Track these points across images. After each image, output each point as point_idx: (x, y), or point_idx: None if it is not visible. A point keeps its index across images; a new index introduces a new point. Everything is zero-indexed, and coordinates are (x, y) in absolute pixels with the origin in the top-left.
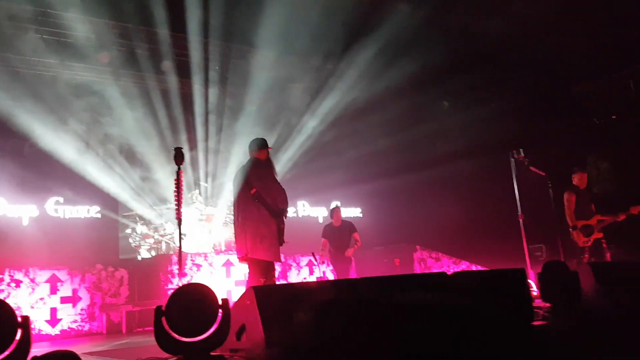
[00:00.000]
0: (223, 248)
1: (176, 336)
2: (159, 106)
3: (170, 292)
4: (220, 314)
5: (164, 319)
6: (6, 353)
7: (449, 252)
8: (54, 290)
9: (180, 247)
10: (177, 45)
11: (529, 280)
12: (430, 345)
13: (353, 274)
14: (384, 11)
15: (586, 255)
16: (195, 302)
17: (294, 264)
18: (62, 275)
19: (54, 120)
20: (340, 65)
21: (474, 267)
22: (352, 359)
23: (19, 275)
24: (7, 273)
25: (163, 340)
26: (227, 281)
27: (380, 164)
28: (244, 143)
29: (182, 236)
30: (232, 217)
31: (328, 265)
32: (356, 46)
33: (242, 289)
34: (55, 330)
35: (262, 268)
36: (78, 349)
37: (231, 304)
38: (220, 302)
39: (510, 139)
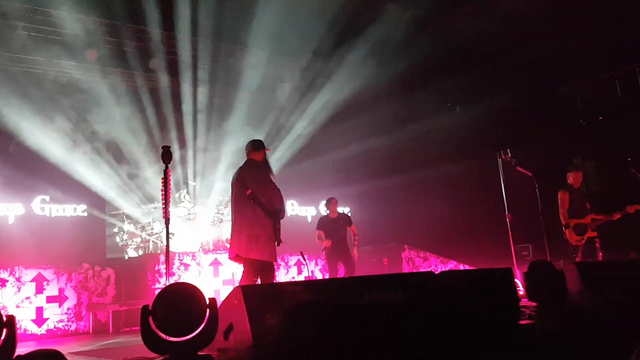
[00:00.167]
0: (211, 247)
1: (163, 336)
2: (147, 105)
3: (157, 292)
4: (207, 314)
5: (150, 319)
6: None
7: (437, 252)
8: (40, 290)
9: (167, 246)
10: (166, 43)
11: (516, 280)
12: (416, 344)
13: (347, 272)
14: (372, 12)
15: (579, 254)
16: (182, 301)
17: (283, 264)
18: (48, 274)
19: (40, 118)
20: (330, 65)
21: (461, 267)
22: (340, 359)
23: (4, 275)
24: None
25: (150, 339)
26: (215, 280)
27: (369, 163)
28: (233, 142)
29: (169, 235)
30: (220, 217)
31: (322, 259)
32: (345, 46)
33: (230, 289)
34: (41, 330)
35: (256, 268)
36: (64, 348)
37: (219, 303)
38: (207, 302)
39: (498, 139)
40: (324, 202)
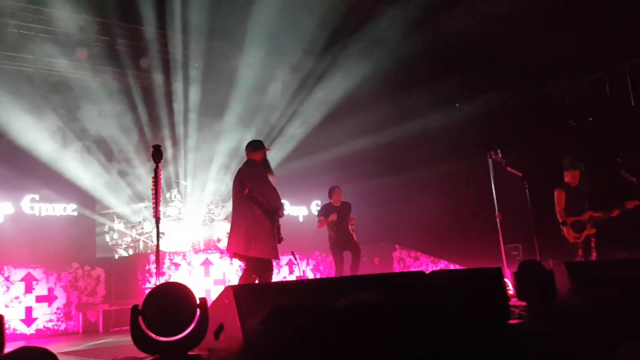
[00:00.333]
0: (202, 247)
1: (153, 335)
2: (138, 103)
3: (147, 292)
4: (198, 313)
5: (140, 319)
6: None
7: (428, 252)
8: (29, 289)
9: (158, 245)
10: (157, 42)
11: (506, 279)
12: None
13: (355, 258)
14: (365, 12)
15: (580, 251)
16: (172, 301)
17: (274, 263)
18: (37, 273)
19: (31, 116)
20: (322, 65)
21: (452, 266)
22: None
23: None
24: None
25: (140, 339)
26: (206, 280)
27: (361, 163)
28: (225, 142)
29: (160, 235)
30: (212, 216)
31: (314, 259)
32: (338, 47)
33: (221, 288)
34: (30, 330)
35: (256, 266)
36: (54, 348)
37: (210, 303)
38: (198, 301)
39: (489, 139)
40: (317, 204)
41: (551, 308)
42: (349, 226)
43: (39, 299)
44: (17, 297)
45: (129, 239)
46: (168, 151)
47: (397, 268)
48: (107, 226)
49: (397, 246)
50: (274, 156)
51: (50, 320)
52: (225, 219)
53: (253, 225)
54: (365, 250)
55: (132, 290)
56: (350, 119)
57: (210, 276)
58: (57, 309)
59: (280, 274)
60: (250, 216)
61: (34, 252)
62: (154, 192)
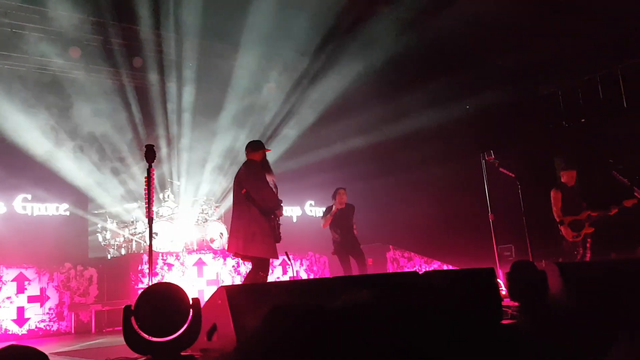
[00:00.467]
0: (195, 247)
1: (145, 336)
2: (132, 103)
3: (140, 292)
4: (190, 314)
5: (133, 319)
6: None
7: (421, 252)
8: (21, 289)
9: (150, 246)
10: (151, 41)
11: (498, 280)
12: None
13: (360, 266)
14: (358, 13)
15: (580, 250)
16: (165, 301)
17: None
18: (29, 273)
19: (24, 115)
20: (316, 65)
21: (445, 267)
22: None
23: None
24: None
25: (132, 340)
26: (199, 281)
27: (354, 164)
28: (218, 142)
29: (153, 235)
30: (205, 217)
31: (307, 259)
32: (331, 47)
33: (214, 289)
34: (22, 330)
35: (258, 264)
36: (46, 348)
37: (203, 303)
38: (191, 302)
39: (481, 140)
40: (310, 204)
41: (543, 308)
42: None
43: (31, 299)
44: (8, 297)
45: (121, 239)
46: (162, 151)
47: (390, 268)
48: (99, 226)
49: (390, 246)
50: (268, 156)
51: (43, 321)
52: (218, 219)
53: (250, 225)
54: None
55: (125, 290)
56: (343, 119)
57: (203, 276)
58: (49, 309)
59: (274, 274)
60: (248, 216)
61: (26, 252)
62: (146, 191)
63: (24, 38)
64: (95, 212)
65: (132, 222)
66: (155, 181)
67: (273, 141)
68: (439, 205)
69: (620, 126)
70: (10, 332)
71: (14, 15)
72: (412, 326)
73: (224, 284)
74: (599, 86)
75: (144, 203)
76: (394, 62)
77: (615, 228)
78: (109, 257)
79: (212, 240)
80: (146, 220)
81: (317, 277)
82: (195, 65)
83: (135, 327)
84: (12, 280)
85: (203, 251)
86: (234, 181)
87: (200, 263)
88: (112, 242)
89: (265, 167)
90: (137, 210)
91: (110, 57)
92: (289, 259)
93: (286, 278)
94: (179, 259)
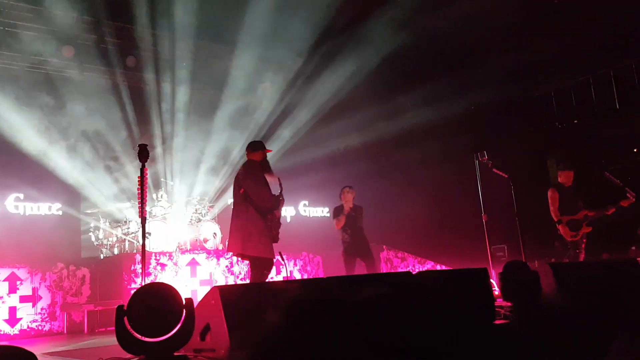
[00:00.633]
0: (188, 247)
1: (138, 336)
2: (125, 102)
3: (133, 292)
4: (184, 314)
5: (126, 319)
6: None
7: (415, 252)
8: (13, 289)
9: (143, 245)
10: (145, 41)
11: (491, 280)
12: (394, 343)
13: (369, 270)
14: (353, 13)
15: (582, 247)
16: (158, 301)
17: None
18: (21, 273)
19: (16, 114)
20: (311, 66)
21: (438, 267)
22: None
23: None
24: None
25: (125, 340)
26: (192, 281)
27: (348, 165)
28: (212, 142)
29: (146, 235)
30: (198, 216)
31: (301, 259)
32: (327, 47)
33: (207, 289)
34: (14, 330)
35: (256, 264)
36: (38, 349)
37: (196, 303)
38: (184, 302)
39: (475, 141)
40: (304, 204)
41: (536, 308)
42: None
43: (23, 299)
44: (0, 297)
45: (114, 239)
46: (155, 150)
47: (384, 269)
48: (92, 226)
49: (384, 247)
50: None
51: (35, 321)
52: (212, 219)
53: (247, 225)
54: None
55: (118, 290)
56: (337, 120)
57: (196, 276)
58: (42, 309)
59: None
60: (245, 216)
61: (18, 252)
62: (140, 191)
63: (17, 36)
64: (88, 211)
65: (125, 221)
66: (149, 180)
67: (267, 141)
68: (433, 205)
69: (613, 127)
70: (2, 332)
71: (7, 14)
72: (406, 326)
73: (217, 284)
74: (591, 87)
75: (137, 202)
76: (388, 62)
77: (608, 229)
78: (101, 257)
79: (205, 240)
80: (139, 220)
81: (311, 277)
82: (189, 65)
83: (128, 327)
84: (4, 280)
85: (196, 251)
86: (234, 181)
87: (193, 263)
88: (105, 241)
89: (265, 167)
90: (130, 210)
91: (104, 56)
92: (283, 259)
93: (280, 278)
94: (172, 259)
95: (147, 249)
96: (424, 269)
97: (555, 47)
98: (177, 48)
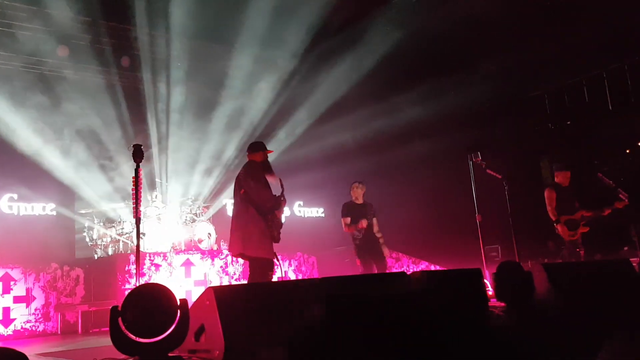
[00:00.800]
0: (183, 248)
1: (133, 337)
2: (120, 102)
3: (127, 293)
4: (178, 315)
5: (120, 320)
6: None
7: (409, 253)
8: (6, 290)
9: (138, 246)
10: (141, 41)
11: (485, 280)
12: (388, 344)
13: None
14: (349, 14)
15: (581, 245)
16: (152, 302)
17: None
18: (15, 274)
19: (10, 114)
20: (306, 67)
21: (433, 267)
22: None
23: None
24: None
25: (119, 341)
26: (187, 281)
27: (342, 165)
28: (207, 142)
29: (140, 235)
30: (193, 217)
31: (296, 259)
32: (323, 48)
33: (202, 289)
34: (8, 331)
35: (257, 265)
36: (32, 349)
37: (190, 304)
38: (178, 303)
39: (469, 142)
40: (299, 204)
41: (529, 308)
42: (379, 238)
43: (17, 300)
44: None
45: (108, 239)
46: (150, 150)
47: None
48: (86, 226)
49: None
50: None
51: (29, 321)
52: (207, 219)
53: (247, 225)
54: (347, 251)
55: (112, 291)
56: (333, 120)
57: (191, 277)
58: (36, 309)
59: None
60: (246, 216)
61: (12, 252)
62: (134, 191)
63: (12, 35)
64: (82, 211)
65: (120, 222)
66: (144, 180)
67: (262, 141)
68: (427, 206)
69: (606, 128)
70: None
71: (1, 13)
72: (399, 326)
73: (212, 285)
74: (584, 89)
75: (131, 203)
76: (383, 63)
77: (601, 229)
78: (96, 257)
79: (200, 241)
80: (133, 220)
81: (306, 277)
82: (184, 65)
83: (122, 327)
84: None
85: (191, 252)
86: (235, 182)
87: (188, 263)
88: (99, 242)
89: (266, 168)
90: (124, 210)
91: (99, 56)
92: (278, 260)
93: (274, 279)
94: (166, 260)
95: (141, 249)
96: (418, 269)
97: (548, 48)
98: (172, 48)
